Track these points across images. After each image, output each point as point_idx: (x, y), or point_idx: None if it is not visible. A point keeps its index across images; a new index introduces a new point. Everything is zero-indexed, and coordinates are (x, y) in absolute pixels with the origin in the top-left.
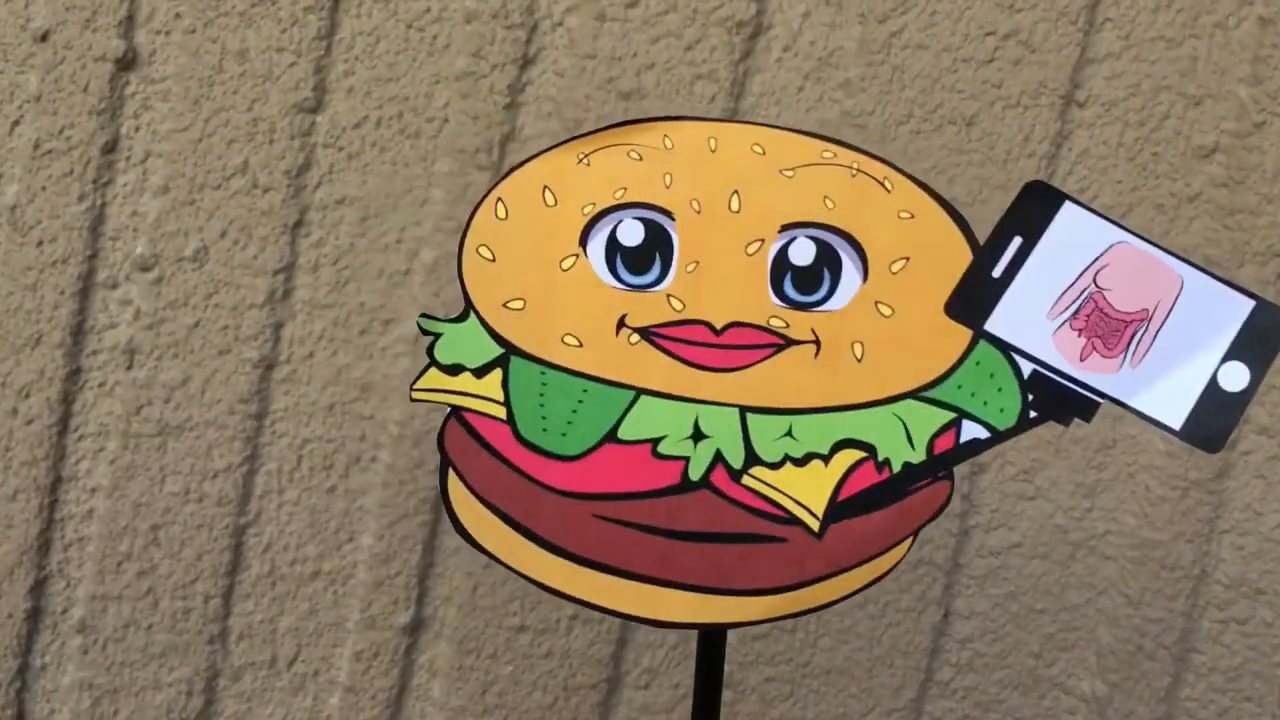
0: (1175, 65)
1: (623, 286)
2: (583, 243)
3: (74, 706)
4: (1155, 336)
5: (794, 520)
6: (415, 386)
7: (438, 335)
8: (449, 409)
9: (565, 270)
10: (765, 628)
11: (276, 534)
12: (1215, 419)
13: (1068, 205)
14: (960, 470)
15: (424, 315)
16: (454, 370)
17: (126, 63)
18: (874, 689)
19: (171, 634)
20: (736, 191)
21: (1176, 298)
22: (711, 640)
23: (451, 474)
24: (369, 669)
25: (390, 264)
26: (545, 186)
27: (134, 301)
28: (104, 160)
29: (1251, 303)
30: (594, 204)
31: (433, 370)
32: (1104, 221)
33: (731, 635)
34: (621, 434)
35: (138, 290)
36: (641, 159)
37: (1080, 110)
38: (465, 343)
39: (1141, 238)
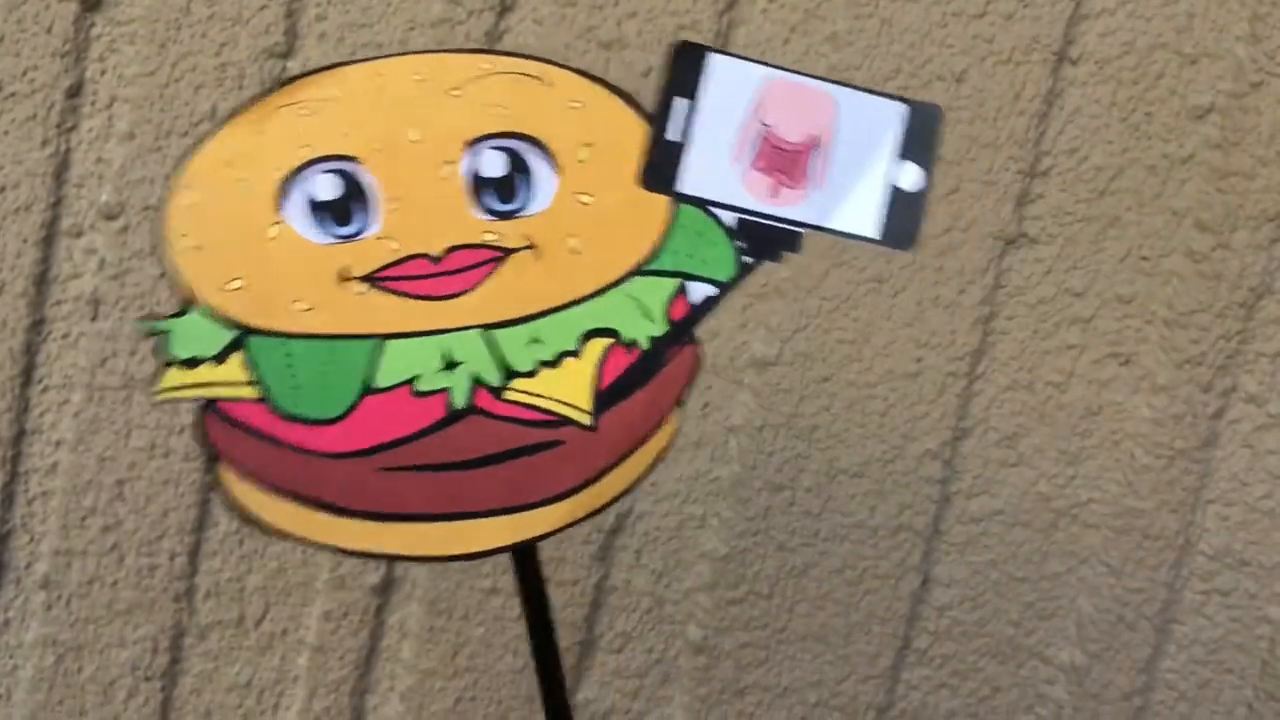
0: (1171, 22)
1: (333, 240)
2: (281, 208)
3: (37, 663)
4: (829, 157)
5: (566, 421)
6: (158, 389)
7: (166, 333)
8: (202, 402)
9: (273, 239)
10: (741, 591)
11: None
12: (904, 219)
13: (714, 56)
14: (942, 436)
15: (143, 317)
16: (193, 363)
17: (91, 4)
18: (851, 656)
19: (137, 590)
20: (413, 121)
21: (836, 117)
22: (524, 558)
23: (222, 465)
24: (338, 629)
25: None
26: (226, 162)
27: (99, 251)
28: (68, 104)
29: (904, 106)
30: (279, 168)
31: (171, 369)
32: (750, 63)
33: (706, 600)
34: (377, 383)
35: (102, 239)
36: (314, 113)
37: (1073, 67)
38: (196, 333)
39: (786, 69)
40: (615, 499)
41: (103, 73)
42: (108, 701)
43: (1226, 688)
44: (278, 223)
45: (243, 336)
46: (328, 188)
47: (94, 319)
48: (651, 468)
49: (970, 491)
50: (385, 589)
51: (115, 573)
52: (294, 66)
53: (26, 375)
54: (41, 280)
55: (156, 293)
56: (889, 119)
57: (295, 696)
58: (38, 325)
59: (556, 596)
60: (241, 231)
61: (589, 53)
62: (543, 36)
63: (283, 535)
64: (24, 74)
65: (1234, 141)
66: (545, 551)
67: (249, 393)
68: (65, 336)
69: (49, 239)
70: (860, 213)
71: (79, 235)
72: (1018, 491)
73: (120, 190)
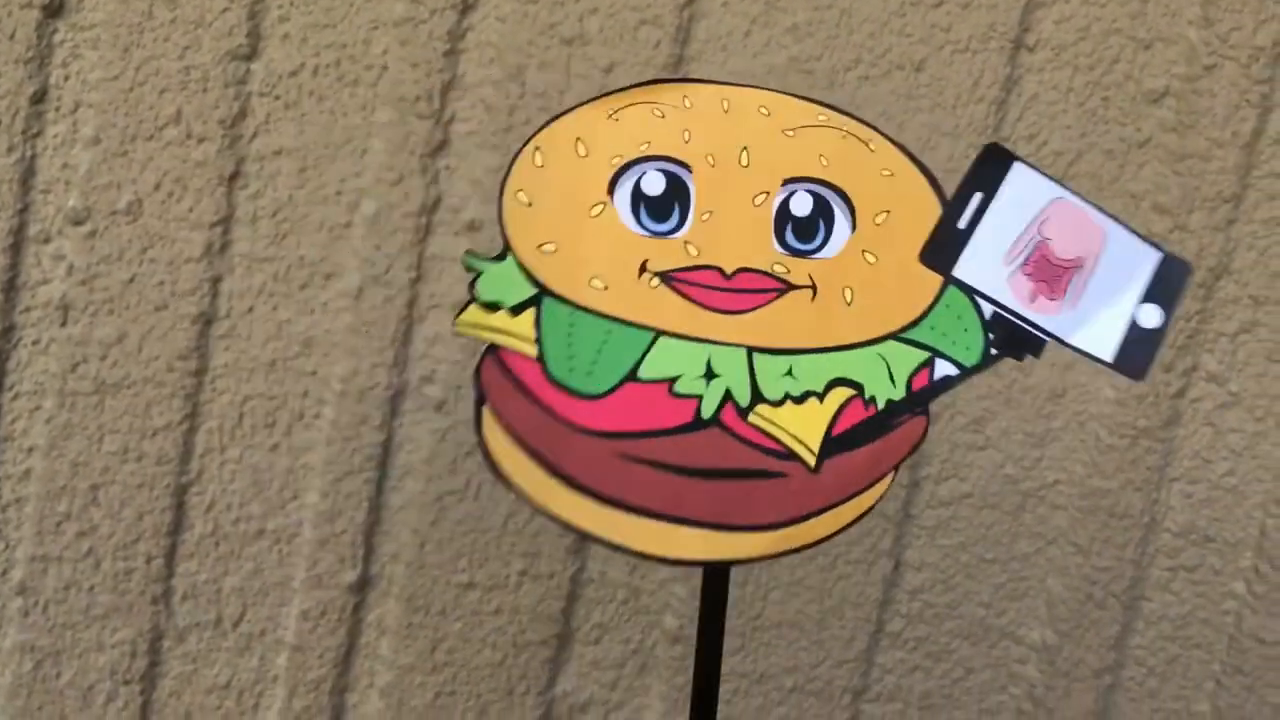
0: (1125, 8)
1: (645, 233)
2: (610, 191)
3: (15, 669)
4: (1087, 281)
5: (793, 456)
6: (458, 320)
7: (479, 272)
8: (484, 345)
9: (594, 217)
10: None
11: (219, 493)
12: (1139, 352)
13: (1018, 165)
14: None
15: (468, 253)
16: (492, 307)
17: (54, 9)
18: (825, 641)
19: (114, 595)
20: (746, 148)
21: (1103, 247)
22: (716, 577)
23: (486, 410)
24: (316, 628)
25: (330, 216)
26: (578, 138)
27: (67, 256)
28: (33, 110)
29: (1159, 254)
30: (621, 156)
31: (473, 306)
32: (1047, 180)
33: (682, 590)
34: (641, 373)
35: (70, 245)
36: (664, 116)
37: (1030, 54)
38: (503, 281)
39: (1077, 195)
40: (815, 543)
41: (66, 78)
42: (87, 706)
43: (1194, 663)
44: (603, 203)
45: (540, 296)
46: (656, 184)
47: (64, 324)
48: (856, 521)
49: (939, 476)
50: (362, 587)
51: (92, 577)
52: (257, 69)
53: None
54: (10, 287)
55: (126, 297)
56: (1145, 261)
57: (275, 696)
58: (8, 332)
59: (532, 590)
60: (570, 202)
61: (551, 49)
62: (505, 34)
63: (514, 488)
64: None
65: (1189, 124)
66: (519, 545)
67: (530, 349)
68: (35, 343)
69: (17, 245)
70: (1100, 337)
71: (47, 241)
72: (985, 474)
73: (87, 195)
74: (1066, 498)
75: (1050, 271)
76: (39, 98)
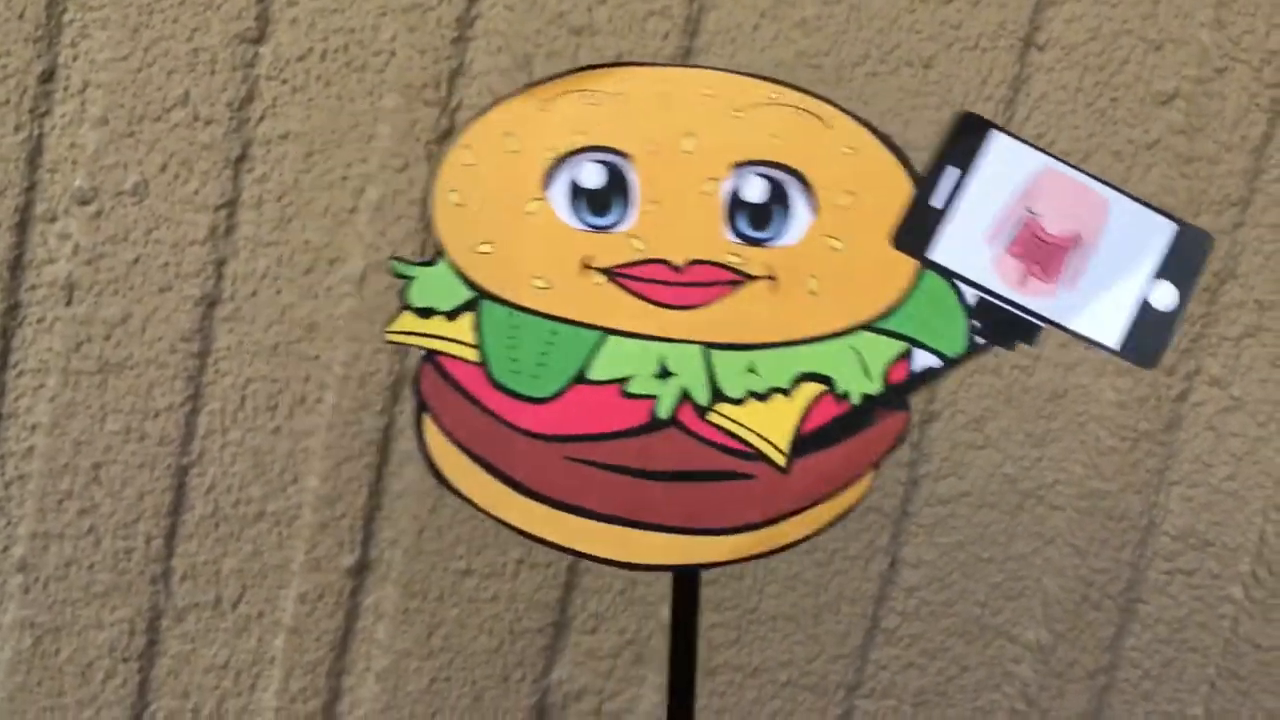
0: (1137, 8)
1: (586, 228)
2: (546, 186)
3: (15, 645)
4: (1088, 259)
5: (760, 456)
6: (390, 329)
7: (410, 278)
8: (420, 354)
9: (530, 214)
10: (712, 573)
11: (220, 474)
12: (1149, 337)
13: (997, 134)
14: (910, 419)
15: (396, 258)
16: (426, 313)
17: None
18: (820, 636)
19: (113, 573)
20: (690, 132)
21: (1105, 221)
22: (685, 581)
23: (427, 418)
24: (314, 611)
25: (335, 201)
26: (508, 132)
27: (73, 236)
28: (41, 90)
29: (1174, 225)
30: (555, 148)
31: (406, 313)
32: (1031, 149)
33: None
34: (591, 374)
35: (77, 224)
36: (599, 104)
37: (1039, 53)
38: (437, 286)
39: (1066, 162)
40: (788, 545)
41: (75, 58)
42: (85, 683)
43: (1190, 666)
44: (539, 199)
45: (478, 299)
46: (594, 176)
47: (68, 304)
48: (832, 524)
49: (938, 474)
50: (360, 571)
51: (92, 555)
52: (265, 52)
53: (2, 360)
54: (16, 265)
55: (131, 278)
56: (1157, 235)
57: (272, 677)
58: (12, 310)
59: (529, 578)
60: (504, 199)
61: (559, 38)
62: (513, 23)
63: (461, 496)
64: None
65: (1198, 127)
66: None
67: (471, 354)
68: (40, 321)
69: (23, 224)
70: (1105, 321)
71: (53, 220)
72: (984, 474)
73: (94, 175)
74: (1065, 499)
75: (1041, 250)
76: (47, 77)
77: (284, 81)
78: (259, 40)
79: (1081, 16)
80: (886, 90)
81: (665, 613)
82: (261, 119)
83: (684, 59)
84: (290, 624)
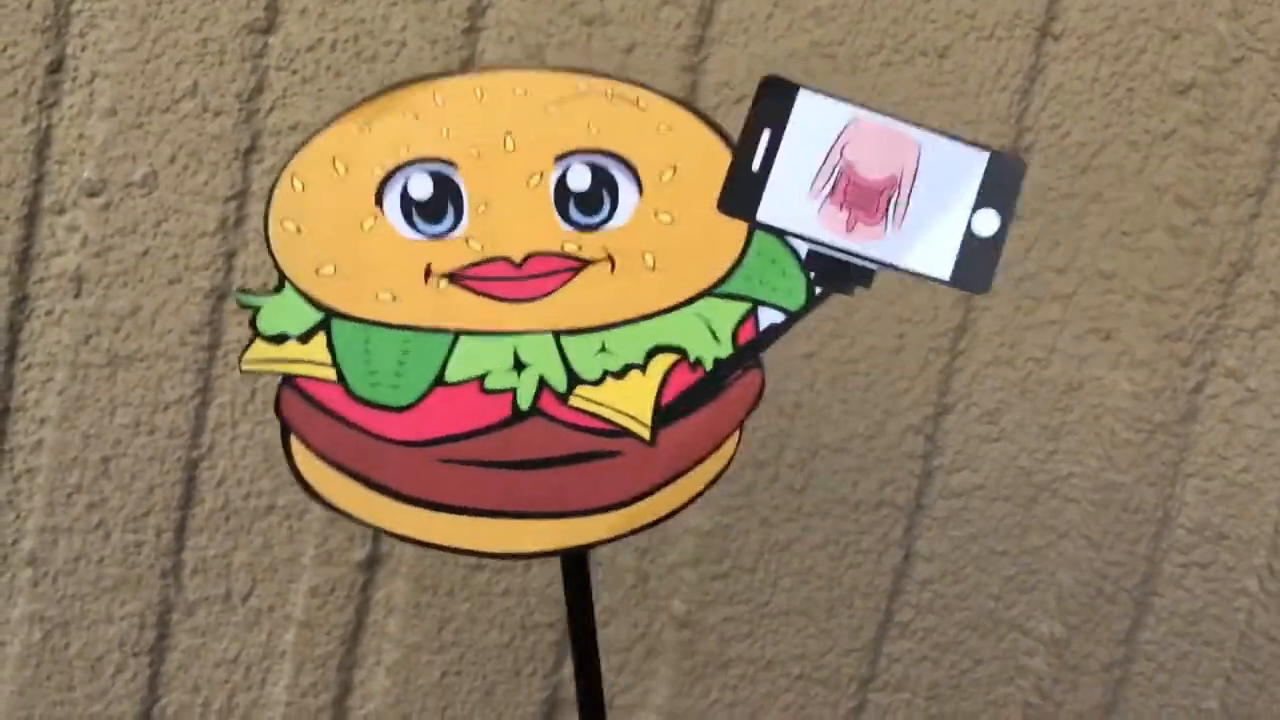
0: None
1: (422, 237)
2: (378, 203)
3: (25, 639)
4: (909, 198)
5: (625, 432)
6: (244, 359)
7: (258, 308)
8: (280, 377)
9: (367, 231)
10: (725, 566)
11: (230, 468)
12: (978, 264)
13: (803, 92)
14: (923, 411)
15: (241, 290)
16: (279, 339)
17: None
18: (833, 630)
19: (123, 567)
20: (509, 132)
21: (918, 160)
22: (575, 564)
23: (294, 439)
24: (325, 605)
25: None
26: (333, 157)
27: (81, 228)
28: (49, 80)
29: (986, 154)
30: (382, 165)
31: (257, 342)
32: (838, 102)
33: (690, 574)
34: (448, 376)
35: (85, 216)
36: (418, 117)
37: (1055, 43)
38: (285, 312)
39: (873, 110)
40: (667, 516)
41: (83, 48)
42: (95, 677)
43: (1205, 659)
44: (374, 215)
45: (327, 319)
46: (423, 187)
47: (77, 296)
48: (706, 488)
49: (952, 466)
50: (371, 565)
51: (101, 549)
52: (275, 42)
53: (10, 353)
54: (24, 258)
55: (140, 270)
56: (971, 166)
57: (282, 671)
58: (21, 303)
59: (540, 574)
60: (339, 221)
61: (571, 28)
62: (525, 13)
63: (342, 513)
64: (4, 50)
65: (1215, 117)
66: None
67: (327, 373)
68: (49, 314)
69: (31, 216)
70: (934, 255)
71: (61, 212)
72: (999, 466)
73: (102, 167)
74: (1080, 491)
75: (862, 196)
76: (55, 68)
77: (294, 72)
78: (268, 30)
79: (1098, 6)
80: (901, 80)
81: (677, 606)
82: (271, 110)
83: (697, 49)
84: (301, 618)
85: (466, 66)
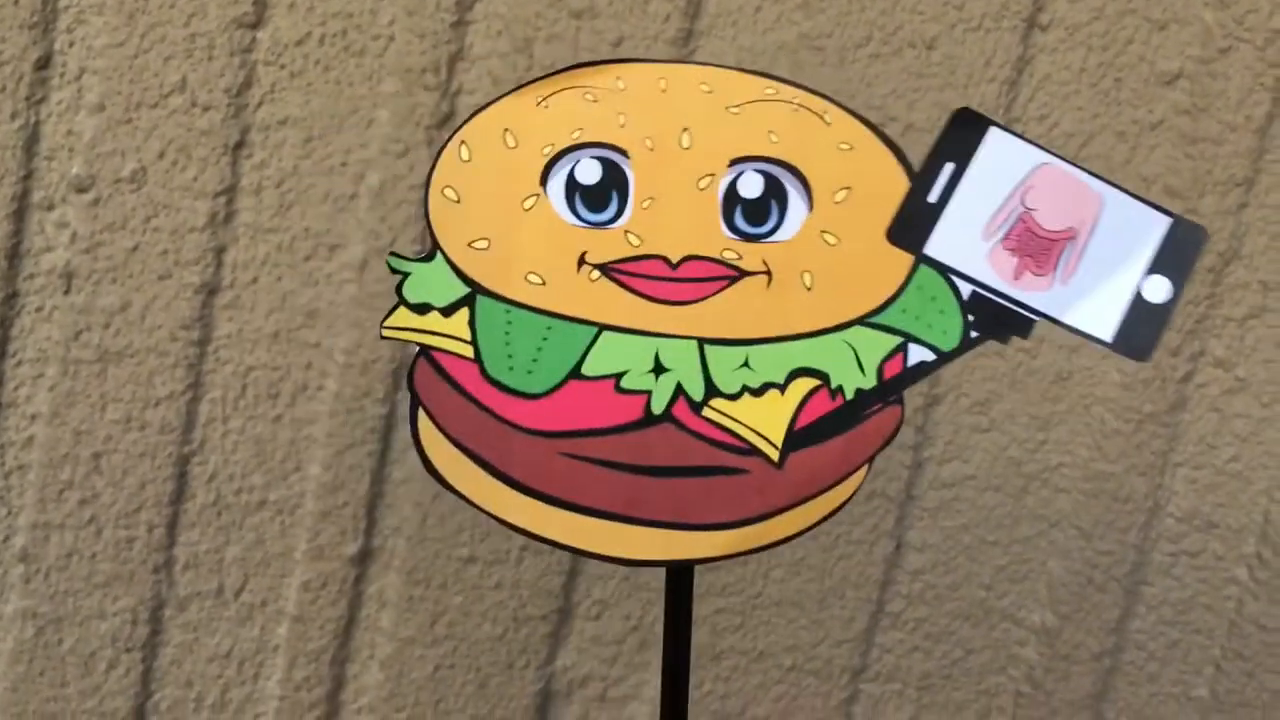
0: None
1: (582, 224)
2: (543, 182)
3: (18, 635)
4: (1082, 253)
5: (754, 451)
6: (385, 324)
7: (406, 274)
8: (416, 347)
9: (527, 210)
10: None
11: (221, 463)
12: (1143, 329)
13: (993, 130)
14: (914, 402)
15: (393, 254)
16: (422, 309)
17: None
18: (825, 620)
19: (115, 563)
20: (687, 129)
21: (1099, 216)
22: (679, 577)
23: (421, 414)
24: (317, 599)
25: (335, 187)
26: (506, 129)
27: (71, 224)
28: (37, 76)
29: (1168, 219)
30: (553, 145)
31: (401, 309)
32: (1028, 145)
33: None
34: (585, 370)
35: (74, 212)
36: (596, 100)
37: (1043, 34)
38: (432, 282)
39: (1062, 158)
40: (779, 541)
41: (71, 44)
42: (88, 673)
43: (1194, 648)
44: (536, 195)
45: (473, 295)
46: (591, 172)
47: (67, 292)
48: (826, 519)
49: (942, 457)
50: (363, 559)
51: (93, 545)
52: (263, 37)
53: (1, 349)
54: (14, 254)
55: (130, 266)
56: (1151, 229)
57: (275, 666)
58: (11, 299)
59: (533, 566)
60: (501, 195)
61: (559, 21)
62: (513, 6)
63: (457, 494)
64: None
65: (1202, 107)
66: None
67: (465, 350)
68: (39, 310)
69: (20, 212)
70: (1100, 315)
71: (50, 208)
72: (989, 457)
73: (91, 163)
74: (1070, 481)
75: (1036, 245)
76: (43, 63)
77: (282, 66)
78: (256, 25)
79: None
80: (889, 72)
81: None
82: (260, 104)
83: (685, 42)
84: (293, 612)
85: (454, 60)
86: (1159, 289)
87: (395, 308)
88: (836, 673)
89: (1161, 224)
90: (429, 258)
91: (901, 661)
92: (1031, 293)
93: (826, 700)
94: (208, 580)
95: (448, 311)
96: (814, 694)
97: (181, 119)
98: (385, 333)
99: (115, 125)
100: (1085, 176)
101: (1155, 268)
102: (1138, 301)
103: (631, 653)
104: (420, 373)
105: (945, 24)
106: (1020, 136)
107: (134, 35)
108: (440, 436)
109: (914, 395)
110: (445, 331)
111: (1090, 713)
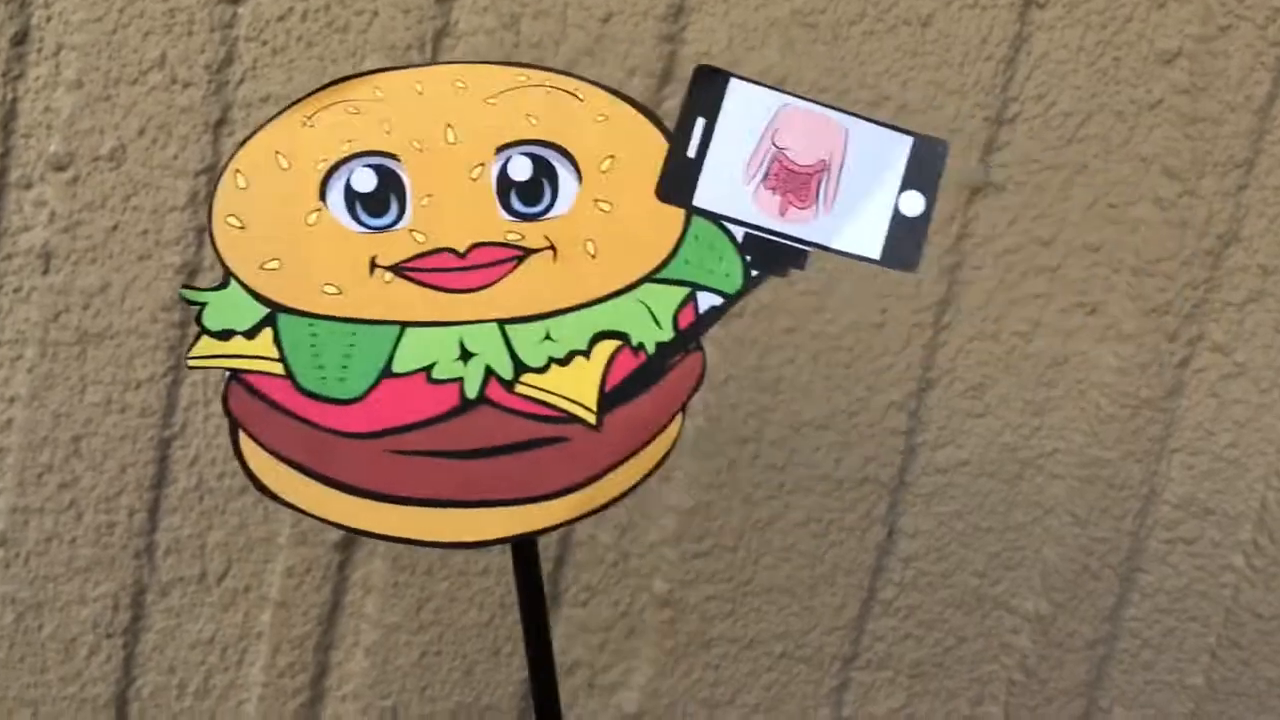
0: None
1: (367, 230)
2: (322, 196)
3: None
4: (838, 182)
5: (572, 419)
6: (190, 355)
7: (203, 304)
8: (227, 373)
9: (311, 225)
10: (706, 545)
11: (203, 447)
12: (906, 243)
13: (734, 81)
14: (907, 387)
15: (186, 286)
16: (225, 335)
17: None
18: (816, 607)
19: (96, 548)
20: (450, 125)
21: (846, 145)
22: (524, 551)
23: (243, 435)
24: (301, 584)
25: None
26: (277, 151)
27: (49, 203)
28: (13, 52)
29: (910, 139)
30: (325, 159)
31: (204, 338)
32: (767, 90)
33: (671, 553)
34: (395, 368)
35: (52, 191)
36: (359, 112)
37: (1040, 11)
38: (231, 308)
39: (802, 97)
40: (617, 498)
41: (48, 19)
42: (69, 659)
43: (1190, 635)
44: (318, 209)
45: (273, 314)
46: (367, 180)
47: (45, 273)
48: (653, 471)
49: (936, 443)
50: (348, 545)
51: (74, 530)
52: (244, 13)
53: None
54: None
55: (109, 245)
56: (897, 149)
57: (259, 652)
58: None
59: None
60: (284, 215)
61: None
62: None
63: (293, 508)
64: None
65: (1202, 87)
66: None
67: (275, 368)
68: (17, 291)
69: None
70: (864, 235)
71: (28, 187)
72: (983, 442)
73: (69, 140)
74: (1065, 467)
75: (794, 180)
76: (20, 39)
77: (264, 43)
78: (237, 0)
79: None
80: (884, 49)
81: (658, 585)
82: (241, 81)
83: (675, 18)
84: (277, 598)
85: (440, 36)
86: (914, 203)
87: (198, 338)
88: (827, 660)
89: (905, 144)
90: (223, 285)
91: (893, 649)
92: (799, 225)
93: (817, 688)
94: (190, 565)
95: (251, 334)
96: (805, 681)
97: (161, 96)
98: (191, 363)
99: (94, 102)
100: (826, 111)
101: (907, 184)
102: (897, 218)
103: (620, 639)
104: (234, 396)
105: (941, 1)
106: (758, 83)
107: (112, 10)
108: (264, 454)
109: (906, 380)
110: (252, 353)
111: (1084, 701)
